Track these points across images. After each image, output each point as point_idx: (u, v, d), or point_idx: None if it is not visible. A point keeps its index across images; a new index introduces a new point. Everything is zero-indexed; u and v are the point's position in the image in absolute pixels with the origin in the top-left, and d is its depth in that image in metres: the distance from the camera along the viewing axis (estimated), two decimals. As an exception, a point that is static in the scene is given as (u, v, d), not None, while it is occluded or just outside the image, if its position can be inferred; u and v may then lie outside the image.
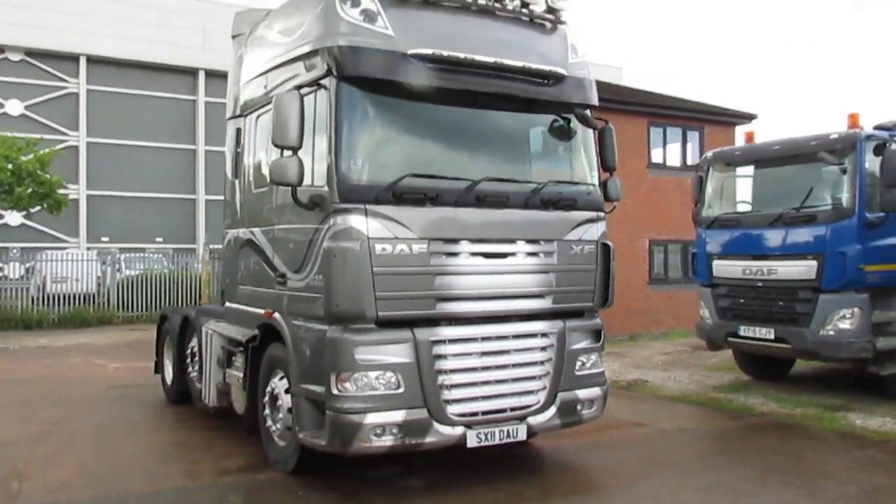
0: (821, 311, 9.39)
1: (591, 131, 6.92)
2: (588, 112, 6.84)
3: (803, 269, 9.56)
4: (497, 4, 6.42)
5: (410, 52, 5.88)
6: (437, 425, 5.89)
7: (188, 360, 9.33)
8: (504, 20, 6.51)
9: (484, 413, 6.12)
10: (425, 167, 6.05)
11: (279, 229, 6.59)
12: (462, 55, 6.02)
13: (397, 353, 5.81)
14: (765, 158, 10.54)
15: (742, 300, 10.35)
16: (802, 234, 9.64)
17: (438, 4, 6.20)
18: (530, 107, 6.60)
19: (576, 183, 6.76)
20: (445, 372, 5.95)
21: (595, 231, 6.75)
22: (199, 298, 21.86)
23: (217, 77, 31.16)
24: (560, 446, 7.48)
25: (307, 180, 5.84)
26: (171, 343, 9.96)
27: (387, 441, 5.76)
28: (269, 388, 6.77)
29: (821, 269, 9.38)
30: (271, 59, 6.87)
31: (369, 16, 5.88)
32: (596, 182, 6.90)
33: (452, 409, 5.96)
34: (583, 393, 6.67)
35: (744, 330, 10.24)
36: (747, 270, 10.24)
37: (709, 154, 11.53)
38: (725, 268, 10.63)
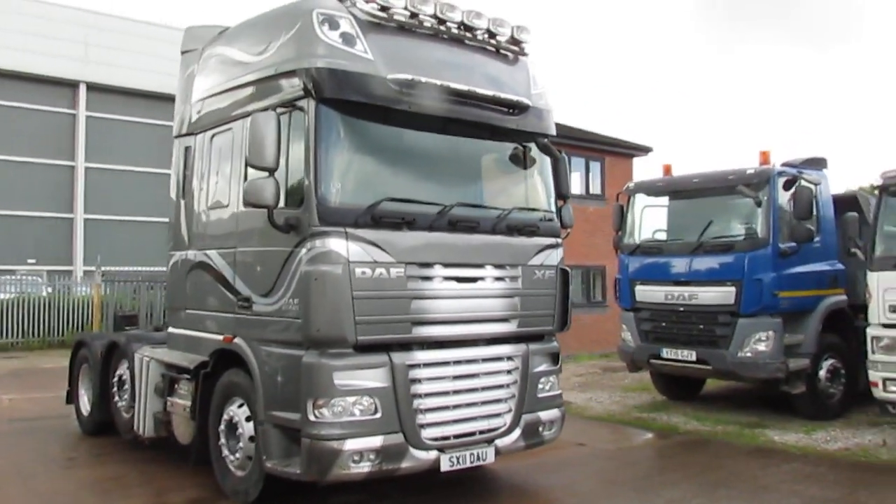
0: (739, 335, 10.00)
1: (548, 160, 7.15)
2: (547, 141, 7.07)
3: (723, 294, 10.16)
4: (467, 34, 6.55)
5: (390, 76, 5.91)
6: (412, 450, 5.86)
7: (114, 388, 8.82)
8: (471, 49, 6.65)
9: (455, 437, 6.14)
10: (400, 191, 6.07)
11: (243, 252, 6.41)
12: (439, 82, 6.11)
13: (374, 377, 5.76)
14: (685, 190, 11.17)
15: (664, 324, 10.87)
16: (722, 262, 10.26)
17: (412, 31, 6.26)
18: (495, 135, 6.75)
19: (537, 210, 6.95)
20: (420, 396, 5.95)
21: (555, 257, 6.96)
22: (89, 324, 20.60)
23: (100, 91, 29.54)
24: (511, 468, 7.57)
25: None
26: (91, 371, 9.38)
27: (364, 467, 5.68)
28: (225, 417, 6.52)
29: (739, 294, 10.01)
30: (233, 77, 6.71)
31: (348, 39, 5.87)
32: (553, 209, 7.12)
33: (426, 434, 5.95)
34: (544, 415, 6.83)
35: (666, 352, 10.74)
36: (669, 295, 10.77)
37: (630, 184, 12.11)
38: (647, 293, 11.13)
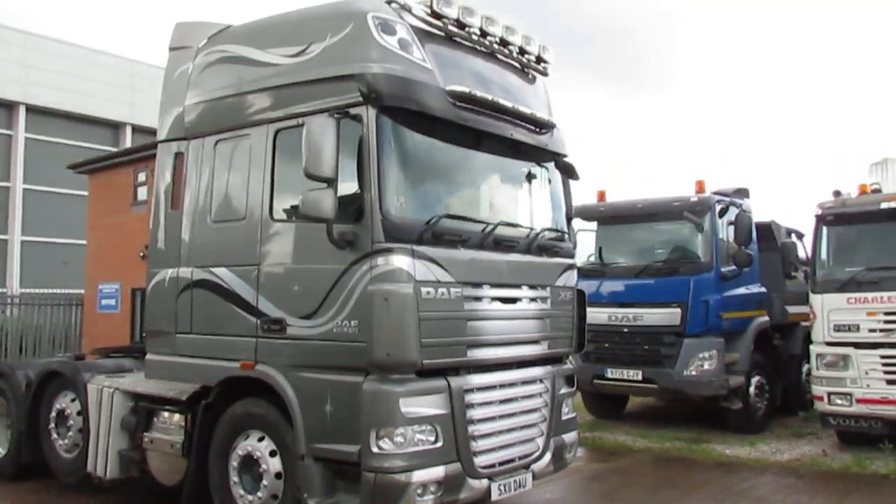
0: (685, 354, 10.46)
1: (560, 180, 7.12)
2: (568, 161, 7.06)
3: (668, 315, 10.61)
4: (503, 48, 6.41)
5: (448, 87, 5.67)
6: (468, 479, 5.57)
7: (51, 424, 7.73)
8: (502, 64, 6.52)
9: (500, 463, 5.92)
10: (451, 207, 5.83)
11: (272, 269, 5.83)
12: (490, 97, 5.94)
13: (435, 404, 5.42)
14: (628, 215, 11.58)
15: (607, 344, 11.14)
16: (667, 285, 10.71)
17: (456, 42, 6.05)
18: (525, 153, 6.65)
19: (559, 231, 6.91)
20: (474, 422, 5.67)
21: (573, 277, 6.94)
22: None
23: (39, 113, 26.65)
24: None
25: None
26: (12, 405, 8.18)
27: (428, 501, 5.31)
28: (239, 452, 5.90)
29: (685, 315, 10.49)
30: (254, 79, 6.15)
31: (405, 45, 5.58)
32: (566, 230, 7.11)
33: (479, 461, 5.68)
34: (567, 437, 6.75)
35: (611, 372, 11.02)
36: (613, 317, 11.08)
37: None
38: (590, 314, 11.32)
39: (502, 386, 6.00)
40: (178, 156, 6.73)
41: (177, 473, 6.45)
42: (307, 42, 5.83)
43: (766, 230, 12.01)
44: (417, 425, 5.28)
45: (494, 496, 5.77)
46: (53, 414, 7.74)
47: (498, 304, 5.99)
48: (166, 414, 6.70)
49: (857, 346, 9.04)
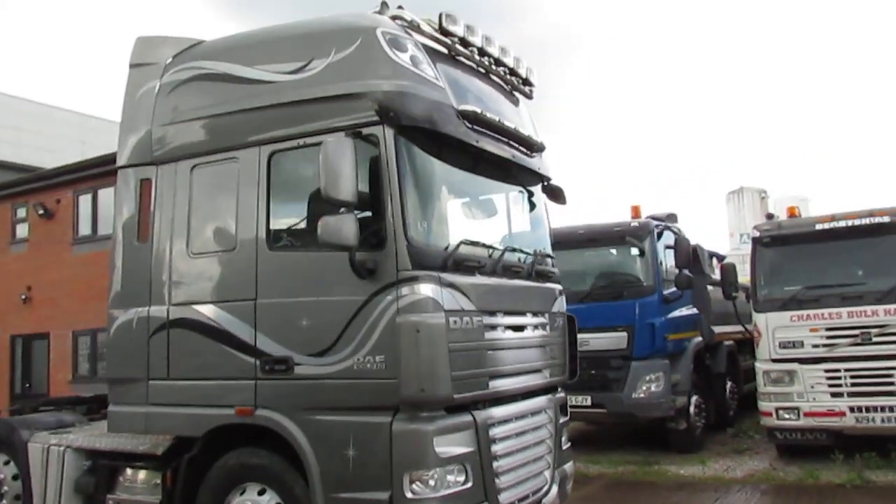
0: (633, 377, 10.58)
1: (544, 204, 7.01)
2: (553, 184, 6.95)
3: (615, 339, 10.70)
4: (499, 69, 6.25)
5: (460, 107, 5.43)
6: None
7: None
8: (496, 86, 6.36)
9: (519, 500, 5.63)
10: (466, 232, 5.56)
11: (273, 304, 5.31)
12: (497, 118, 5.76)
13: (464, 441, 5.08)
14: (569, 241, 11.60)
15: (554, 371, 11.08)
16: (612, 309, 10.81)
17: (457, 61, 5.84)
18: (520, 176, 6.49)
19: (550, 256, 6.78)
20: (497, 458, 5.37)
21: (563, 303, 6.81)
22: None
23: None
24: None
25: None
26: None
27: None
28: (235, 510, 5.30)
29: (631, 339, 10.62)
30: (243, 97, 5.64)
31: (416, 62, 5.30)
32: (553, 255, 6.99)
33: (502, 499, 5.37)
34: (568, 468, 6.58)
35: (559, 399, 10.94)
36: (558, 343, 11.04)
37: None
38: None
39: (517, 418, 5.75)
40: (145, 182, 6.08)
41: (151, 538, 5.73)
42: (307, 58, 5.42)
43: (693, 253, 12.42)
44: (449, 465, 4.93)
45: (515, 535, 5.48)
46: (-23, 479, 6.75)
47: (510, 333, 5.75)
48: (132, 472, 5.98)
49: (802, 361, 9.44)
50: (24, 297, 18.43)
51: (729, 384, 13.07)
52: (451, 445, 4.96)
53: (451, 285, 5.05)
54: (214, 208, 5.72)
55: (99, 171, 17.34)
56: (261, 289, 5.37)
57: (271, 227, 5.41)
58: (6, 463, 6.65)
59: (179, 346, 5.70)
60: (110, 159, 17.28)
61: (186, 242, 5.79)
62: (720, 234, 41.47)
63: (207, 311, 5.59)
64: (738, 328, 13.50)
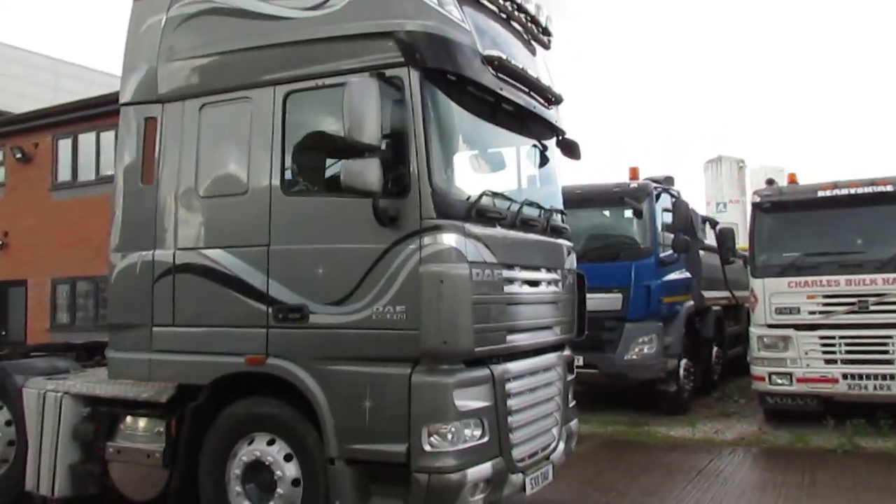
0: (626, 338, 10.59)
1: (557, 158, 6.86)
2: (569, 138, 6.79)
3: (609, 300, 10.66)
4: (520, 14, 6.04)
5: (485, 52, 5.24)
6: (510, 475, 5.20)
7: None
8: (516, 33, 6.15)
9: (529, 456, 5.58)
10: (486, 182, 5.41)
11: (287, 250, 5.12)
12: (520, 66, 5.57)
13: (481, 395, 4.99)
14: (565, 200, 11.48)
15: (546, 331, 11.05)
16: (608, 270, 10.73)
17: (481, 4, 5.62)
18: (538, 129, 6.32)
19: (563, 212, 6.65)
20: (511, 413, 5.29)
21: (573, 260, 6.71)
22: None
23: None
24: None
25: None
26: None
27: (478, 501, 4.90)
28: (243, 459, 5.20)
29: (626, 300, 10.60)
30: (255, 34, 5.38)
31: (442, 2, 5.08)
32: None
33: (515, 454, 5.31)
34: (573, 425, 6.54)
35: (551, 359, 10.93)
36: (552, 303, 10.99)
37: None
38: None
39: (530, 374, 5.67)
40: (149, 121, 5.81)
41: (153, 487, 5.60)
42: None
43: (686, 218, 12.39)
44: (467, 418, 4.85)
45: (528, 491, 5.44)
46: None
47: (526, 287, 5.64)
48: (133, 419, 5.82)
49: (798, 327, 9.49)
50: (0, 242, 17.98)
51: (715, 349, 13.18)
52: (470, 399, 4.87)
53: (475, 236, 4.91)
54: (225, 150, 5.49)
55: (79, 115, 16.86)
56: (274, 234, 5.18)
57: (286, 170, 5.21)
58: (11, 407, 6.44)
59: (186, 292, 5.51)
60: (90, 104, 16.95)
61: (194, 185, 5.56)
62: (697, 202, 41.74)
63: (216, 255, 5.39)
64: (726, 294, 13.64)
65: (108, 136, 16.50)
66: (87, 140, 16.97)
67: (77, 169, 17.24)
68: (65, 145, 17.38)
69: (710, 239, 13.63)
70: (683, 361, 11.42)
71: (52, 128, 17.55)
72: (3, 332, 18.33)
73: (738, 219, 30.02)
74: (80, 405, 6.04)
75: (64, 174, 17.45)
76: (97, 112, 16.34)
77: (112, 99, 15.81)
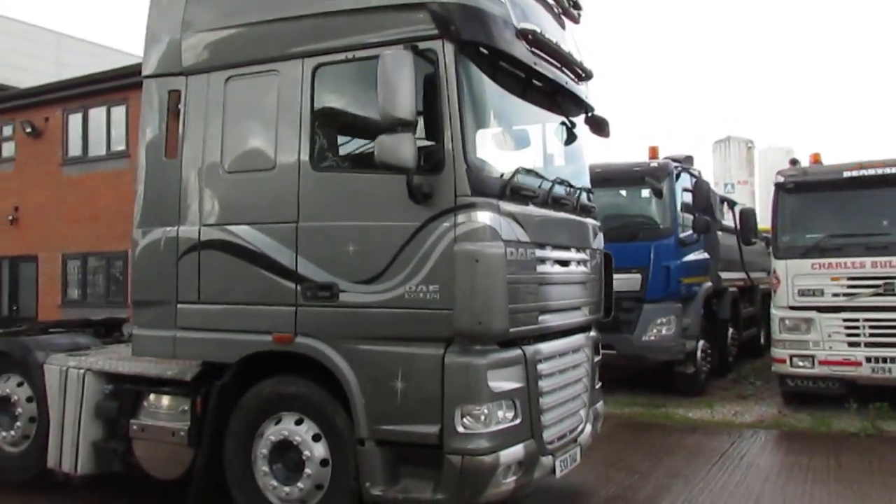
0: (644, 319, 10.48)
1: (585, 136, 6.71)
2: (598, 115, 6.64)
3: (628, 281, 10.49)
4: None
5: (520, 25, 5.09)
6: (541, 458, 5.13)
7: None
8: (545, 5, 5.99)
9: (559, 438, 5.51)
10: (519, 160, 5.30)
11: (317, 227, 5.02)
12: (554, 40, 5.43)
13: (514, 376, 4.91)
14: (585, 180, 11.37)
15: (564, 311, 10.96)
16: (626, 250, 10.54)
17: None
18: (568, 105, 6.19)
19: (590, 191, 6.54)
20: (543, 394, 5.21)
21: (601, 240, 6.61)
22: None
23: None
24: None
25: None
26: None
27: (510, 484, 4.84)
28: (270, 438, 5.13)
29: (645, 281, 10.48)
30: (284, 4, 5.25)
31: None
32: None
33: (546, 437, 5.24)
34: (599, 407, 6.48)
35: (567, 339, 10.86)
36: (569, 283, 10.89)
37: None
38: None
39: (560, 355, 5.58)
40: (173, 94, 5.69)
41: (178, 465, 5.55)
42: None
43: (707, 198, 12.23)
44: (500, 400, 4.77)
45: (558, 473, 5.37)
46: (-10, 402, 6.50)
47: (558, 267, 5.54)
48: (156, 397, 5.76)
49: (821, 309, 9.37)
50: (11, 217, 17.89)
51: (730, 330, 13.09)
52: (503, 380, 4.79)
53: (509, 214, 4.80)
54: (251, 124, 5.38)
55: (89, 90, 16.70)
56: (303, 211, 5.08)
57: (315, 146, 5.09)
58: (19, 385, 6.38)
59: (212, 269, 5.43)
60: (99, 78, 16.78)
61: (220, 159, 5.45)
62: (707, 182, 41.29)
63: (243, 232, 5.30)
64: (741, 275, 13.53)
65: (118, 111, 16.41)
66: (97, 115, 16.84)
67: (88, 144, 17.12)
68: (75, 120, 17.26)
69: (727, 220, 13.52)
70: (701, 343, 11.33)
71: (62, 102, 17.41)
72: (15, 308, 18.32)
73: (745, 200, 29.79)
74: (102, 382, 5.99)
75: (74, 149, 17.34)
76: (107, 87, 16.21)
77: (122, 73, 15.78)
